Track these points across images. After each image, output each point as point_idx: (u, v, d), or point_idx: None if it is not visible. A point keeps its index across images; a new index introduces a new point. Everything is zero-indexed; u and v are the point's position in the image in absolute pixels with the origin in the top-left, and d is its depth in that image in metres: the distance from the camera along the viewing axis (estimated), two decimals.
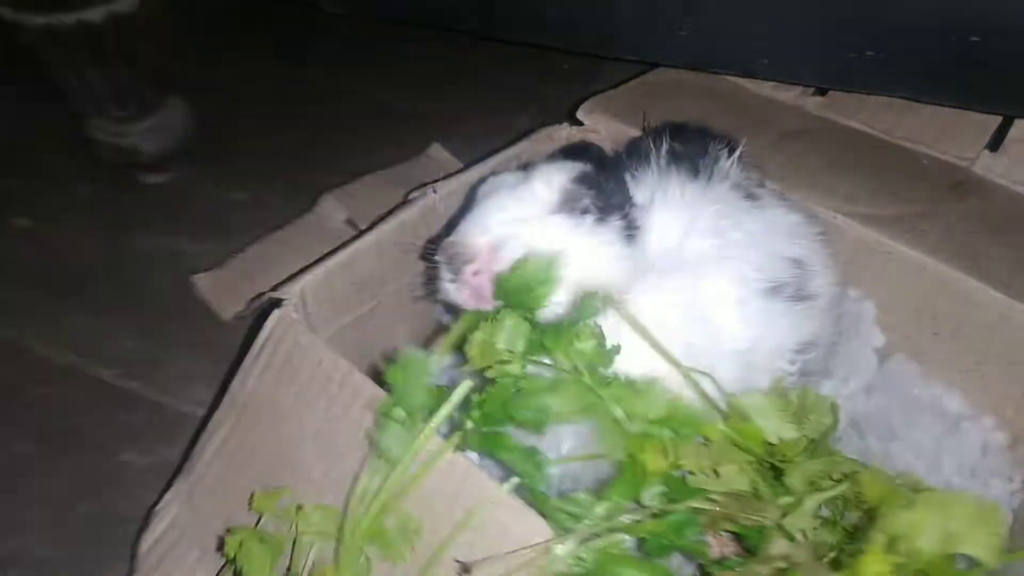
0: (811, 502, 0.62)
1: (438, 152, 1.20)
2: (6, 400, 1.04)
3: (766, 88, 1.04)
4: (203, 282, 1.00)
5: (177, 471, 0.82)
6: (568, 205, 0.68)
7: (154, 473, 0.97)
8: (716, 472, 0.63)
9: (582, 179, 0.69)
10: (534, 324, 0.64)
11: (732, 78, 1.03)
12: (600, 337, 0.63)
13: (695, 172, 0.76)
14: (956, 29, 0.62)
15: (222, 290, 0.99)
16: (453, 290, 0.67)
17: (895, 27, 0.64)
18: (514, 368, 0.63)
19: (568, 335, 0.61)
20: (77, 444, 1.00)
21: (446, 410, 0.66)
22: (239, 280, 0.99)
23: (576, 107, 1.03)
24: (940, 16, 0.62)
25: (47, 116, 1.42)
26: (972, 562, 0.57)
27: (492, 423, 0.64)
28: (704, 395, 0.66)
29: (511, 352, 0.63)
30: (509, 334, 0.62)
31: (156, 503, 0.80)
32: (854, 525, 0.62)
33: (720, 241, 0.72)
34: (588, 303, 0.63)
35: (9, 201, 1.30)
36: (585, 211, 0.68)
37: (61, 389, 1.06)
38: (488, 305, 0.66)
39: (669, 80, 1.07)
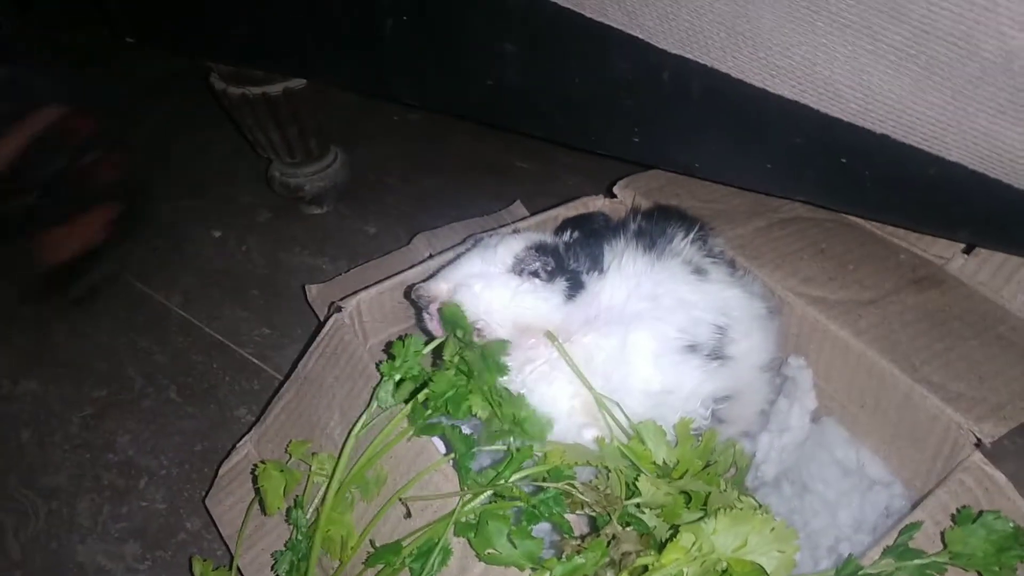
0: (688, 516, 0.79)
1: (518, 208, 1.45)
2: (172, 360, 1.43)
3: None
4: (313, 291, 1.32)
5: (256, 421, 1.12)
6: (517, 267, 0.90)
7: None
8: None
9: (537, 248, 0.91)
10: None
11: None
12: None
13: (651, 247, 0.95)
14: (826, 151, 0.77)
15: (325, 298, 1.30)
16: (428, 320, 0.92)
17: (781, 147, 0.80)
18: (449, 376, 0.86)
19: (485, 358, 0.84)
20: (209, 398, 1.35)
21: (411, 406, 0.92)
22: (338, 292, 1.29)
23: (616, 183, 1.25)
24: (811, 140, 0.78)
25: (243, 159, 1.88)
26: None
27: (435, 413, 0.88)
28: (611, 417, 0.86)
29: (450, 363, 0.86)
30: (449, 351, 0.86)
31: (237, 442, 1.11)
32: None
33: (652, 305, 0.91)
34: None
35: (209, 217, 1.73)
36: (533, 273, 0.90)
37: (211, 358, 1.42)
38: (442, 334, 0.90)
39: None
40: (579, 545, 0.74)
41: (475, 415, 0.84)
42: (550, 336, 0.88)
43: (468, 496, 0.82)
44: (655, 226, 0.96)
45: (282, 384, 1.12)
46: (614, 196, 1.23)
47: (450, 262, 0.96)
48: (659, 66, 0.83)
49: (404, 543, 0.84)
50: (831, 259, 1.05)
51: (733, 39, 0.76)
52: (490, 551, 0.77)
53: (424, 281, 0.92)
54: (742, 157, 0.86)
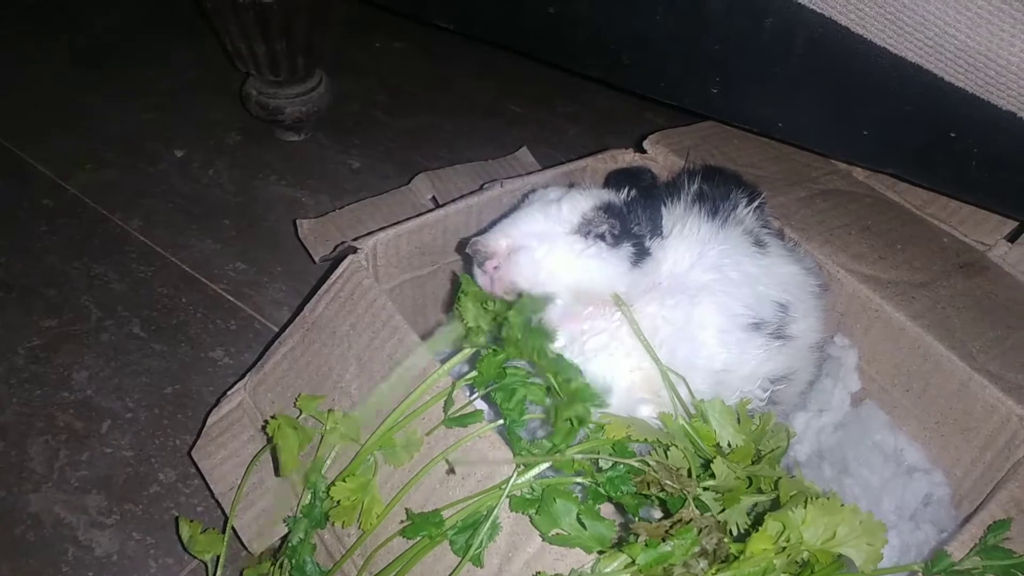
0: (747, 500, 0.74)
1: (524, 155, 1.35)
2: (133, 291, 1.28)
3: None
4: (304, 227, 1.19)
5: (250, 368, 1.01)
6: (584, 228, 0.81)
7: (234, 371, 1.18)
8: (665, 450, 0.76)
9: (605, 208, 0.82)
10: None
11: None
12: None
13: (714, 213, 0.89)
14: (936, 124, 0.73)
15: (318, 236, 1.18)
16: (479, 276, 0.83)
17: (885, 113, 0.75)
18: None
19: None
20: (179, 336, 1.22)
21: (458, 358, 0.83)
22: (332, 230, 1.17)
23: (646, 136, 1.17)
24: (922, 110, 0.73)
25: (208, 71, 1.70)
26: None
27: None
28: (675, 393, 0.80)
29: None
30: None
31: (229, 388, 1.00)
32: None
33: (719, 276, 0.85)
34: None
35: (173, 134, 1.56)
36: (599, 236, 0.81)
37: (178, 291, 1.28)
38: (500, 294, 0.82)
39: (733, 128, 1.19)
40: (662, 529, 0.68)
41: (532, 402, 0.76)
42: (620, 303, 0.81)
43: (522, 467, 0.75)
44: (717, 190, 0.90)
45: (282, 330, 1.01)
46: (643, 151, 1.16)
47: (506, 214, 0.86)
48: (763, 10, 0.75)
49: (444, 514, 0.77)
50: (878, 237, 1.01)
51: None
52: (557, 531, 0.70)
53: (481, 235, 0.83)
54: (836, 121, 0.81)
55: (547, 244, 0.80)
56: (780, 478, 0.75)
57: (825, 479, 0.92)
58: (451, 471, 0.78)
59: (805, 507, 0.68)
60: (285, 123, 1.50)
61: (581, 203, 0.82)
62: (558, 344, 0.81)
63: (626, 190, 0.88)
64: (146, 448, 1.08)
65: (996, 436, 0.86)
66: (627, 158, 1.17)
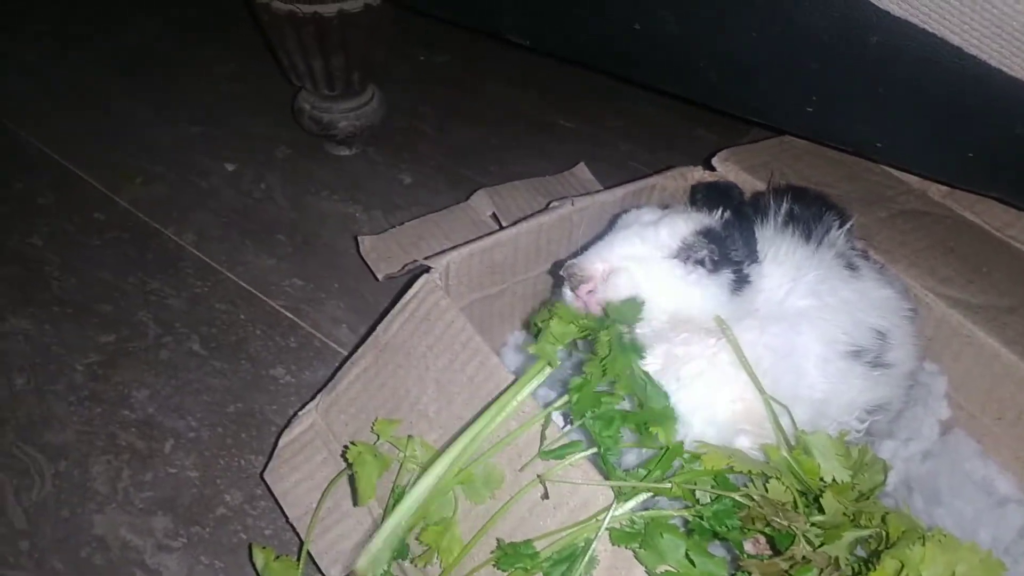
0: (850, 535, 0.72)
1: (582, 171, 1.34)
2: (191, 307, 1.26)
3: (896, 168, 1.13)
4: (367, 244, 1.17)
5: (319, 390, 0.99)
6: (684, 253, 0.79)
7: (295, 389, 1.16)
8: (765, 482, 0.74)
9: (705, 233, 0.80)
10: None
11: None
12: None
13: (807, 236, 0.87)
14: None
15: (380, 253, 1.16)
16: (571, 299, 0.81)
17: (994, 136, 0.73)
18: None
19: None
20: (239, 354, 1.20)
21: (537, 381, 0.81)
22: (394, 247, 1.15)
23: (714, 154, 1.15)
24: None
25: (252, 84, 1.70)
26: None
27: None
28: (778, 424, 0.77)
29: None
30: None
31: (299, 409, 0.98)
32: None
33: (817, 303, 0.83)
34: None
35: (223, 148, 1.55)
36: (699, 262, 0.79)
37: (236, 308, 1.27)
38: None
39: (803, 145, 1.16)
40: (776, 567, 0.65)
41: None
42: (725, 329, 0.78)
43: (622, 498, 0.73)
44: (808, 211, 0.88)
45: (350, 351, 0.99)
46: (712, 168, 1.14)
47: (600, 236, 0.84)
48: (867, 27, 0.73)
49: (537, 544, 0.75)
50: (963, 259, 0.99)
51: (976, 7, 0.67)
52: (665, 568, 0.68)
53: (577, 259, 0.81)
54: (941, 142, 0.78)
55: (646, 267, 0.78)
56: (887, 513, 0.72)
57: (916, 510, 0.90)
58: (546, 496, 0.76)
59: (922, 544, 0.66)
60: (337, 138, 1.49)
61: (681, 227, 0.80)
62: (652, 367, 0.79)
63: (719, 211, 0.86)
64: (211, 468, 1.06)
65: None
66: (696, 175, 1.15)
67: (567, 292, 0.81)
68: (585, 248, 0.83)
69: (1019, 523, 0.88)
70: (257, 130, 1.60)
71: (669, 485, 0.72)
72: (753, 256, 0.83)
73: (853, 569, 0.68)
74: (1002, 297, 0.95)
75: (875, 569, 0.65)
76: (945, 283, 0.95)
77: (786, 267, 0.83)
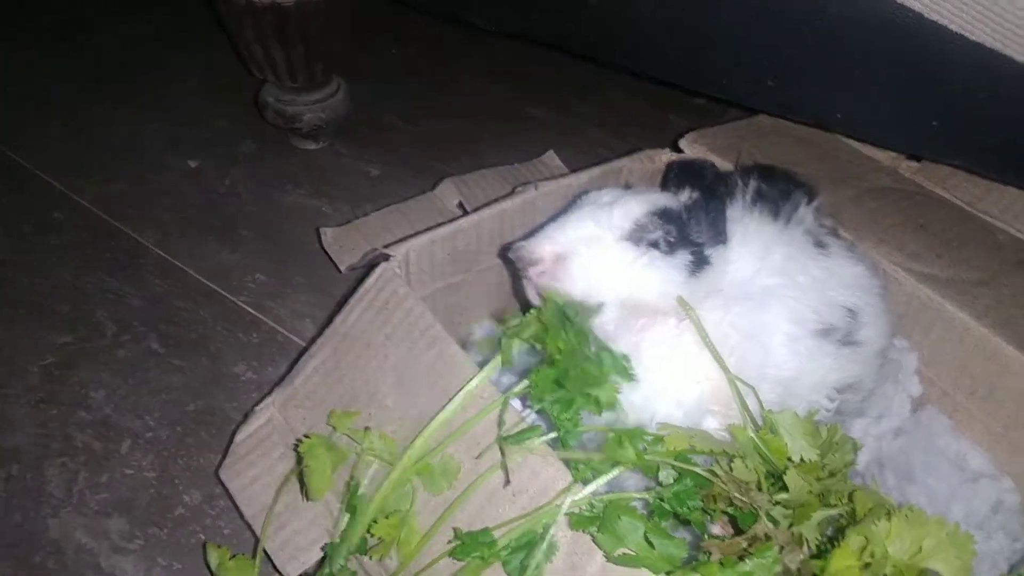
0: (819, 515, 0.69)
1: (551, 159, 1.31)
2: (150, 305, 1.23)
3: (865, 146, 1.11)
4: (328, 235, 1.15)
5: (277, 383, 0.96)
6: (636, 235, 0.77)
7: (258, 386, 1.13)
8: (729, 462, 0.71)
9: (660, 214, 0.78)
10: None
11: (834, 132, 1.11)
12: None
13: (775, 214, 0.84)
14: (1017, 109, 0.69)
15: (343, 244, 1.14)
16: (525, 286, 0.79)
17: (959, 103, 0.71)
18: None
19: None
20: (199, 351, 1.17)
21: (492, 367, 0.79)
22: (358, 238, 1.13)
23: (669, 136, 1.13)
24: (1001, 98, 0.68)
25: (221, 80, 1.67)
26: None
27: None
28: (744, 405, 0.75)
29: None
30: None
31: (256, 404, 0.95)
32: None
33: (786, 281, 0.80)
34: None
35: (185, 144, 1.52)
36: (653, 244, 0.77)
37: (197, 305, 1.24)
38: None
39: (771, 125, 1.14)
40: (737, 546, 0.63)
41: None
42: (687, 309, 0.76)
43: (581, 482, 0.70)
44: (776, 190, 0.85)
45: (310, 342, 0.96)
46: (680, 151, 1.12)
47: (554, 218, 0.82)
48: None
49: (495, 533, 0.72)
50: (933, 235, 0.97)
51: None
52: (623, 551, 0.66)
53: (525, 240, 0.78)
54: (904, 112, 0.77)
55: (596, 251, 0.76)
56: (855, 491, 0.70)
57: (888, 488, 0.88)
58: (507, 482, 0.73)
59: (888, 520, 0.64)
60: (303, 131, 1.46)
61: (634, 208, 0.78)
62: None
63: (687, 191, 0.83)
64: (169, 468, 1.03)
65: None
66: (663, 158, 1.13)
67: (523, 279, 0.79)
68: (539, 228, 0.81)
69: (992, 498, 0.86)
70: (221, 126, 1.57)
71: (629, 463, 0.69)
72: (720, 237, 0.81)
73: (818, 548, 0.66)
74: (972, 271, 0.93)
75: (839, 546, 0.63)
76: (914, 258, 0.93)
77: (754, 246, 0.81)
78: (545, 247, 0.77)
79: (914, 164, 1.09)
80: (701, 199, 0.81)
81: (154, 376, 1.14)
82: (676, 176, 0.85)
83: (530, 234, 0.81)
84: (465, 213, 1.20)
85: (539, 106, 1.68)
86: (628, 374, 0.73)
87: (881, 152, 1.10)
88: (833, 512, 0.69)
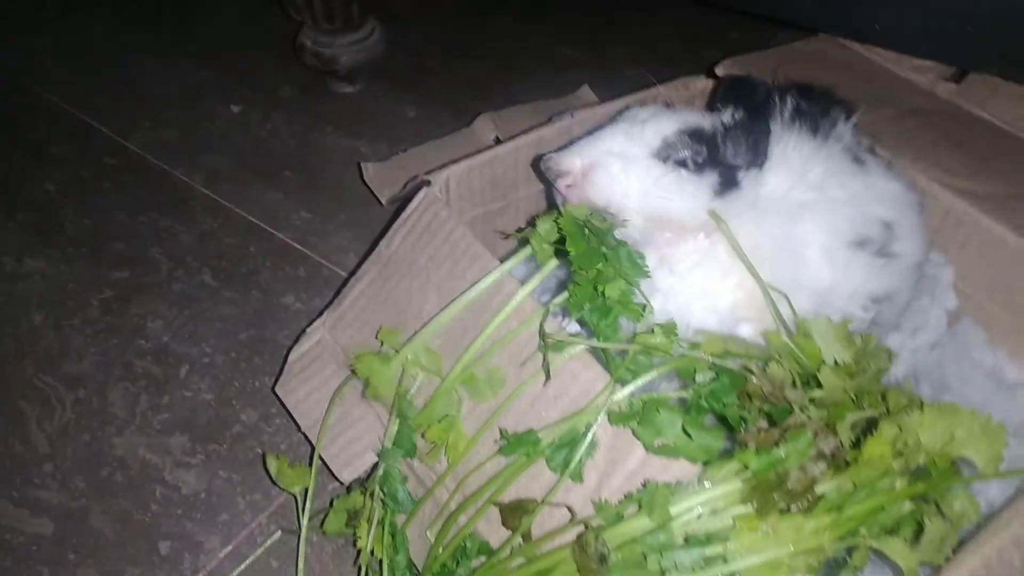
0: (853, 415, 0.71)
1: (586, 93, 1.32)
2: (201, 242, 1.28)
3: (904, 69, 1.11)
4: (370, 170, 1.18)
5: (325, 308, 1.00)
6: (664, 154, 0.78)
7: (307, 316, 1.18)
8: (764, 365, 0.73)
9: (691, 133, 0.79)
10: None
11: (872, 57, 1.10)
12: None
13: (814, 131, 0.85)
14: None
15: (383, 178, 1.17)
16: (557, 196, 0.81)
17: (995, 8, 0.71)
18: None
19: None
20: (250, 284, 1.22)
21: (538, 278, 0.81)
22: (398, 172, 1.15)
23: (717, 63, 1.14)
24: None
25: (259, 26, 1.70)
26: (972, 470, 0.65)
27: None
28: (778, 312, 0.77)
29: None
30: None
31: (306, 327, 0.99)
32: None
33: (822, 196, 0.81)
34: None
35: (228, 90, 1.56)
36: (680, 163, 0.78)
37: (245, 241, 1.28)
38: None
39: (808, 51, 1.14)
40: (772, 436, 0.66)
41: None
42: (718, 220, 0.78)
43: (620, 382, 0.73)
44: (815, 107, 0.86)
45: (354, 270, 1.00)
46: (716, 76, 1.12)
47: (589, 132, 0.84)
48: None
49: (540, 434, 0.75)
50: (970, 152, 0.97)
51: None
52: (661, 441, 0.69)
53: (557, 152, 0.81)
54: (939, 19, 0.76)
55: (623, 165, 0.77)
56: (888, 391, 0.72)
57: (924, 397, 0.89)
58: (548, 379, 0.76)
59: (921, 412, 0.65)
60: (340, 73, 1.49)
61: (664, 125, 0.79)
62: (651, 271, 0.79)
63: (731, 111, 0.84)
64: (225, 391, 1.08)
65: None
66: (699, 85, 1.14)
67: (554, 190, 0.81)
68: (574, 142, 0.83)
69: None
70: (262, 72, 1.61)
71: (661, 352, 0.72)
72: (759, 160, 0.81)
73: (853, 443, 0.68)
74: (1010, 185, 0.93)
75: (874, 435, 0.65)
76: (951, 174, 0.93)
77: (792, 163, 0.82)
78: (576, 160, 0.79)
79: (952, 86, 1.08)
80: (745, 118, 0.81)
81: (208, 307, 1.19)
82: (725, 92, 0.85)
83: (565, 147, 0.83)
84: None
85: (575, 47, 1.69)
86: (642, 270, 0.74)
87: (919, 75, 1.10)
88: (866, 414, 0.71)
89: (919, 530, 0.63)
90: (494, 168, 1.02)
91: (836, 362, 0.72)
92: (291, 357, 0.98)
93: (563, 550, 0.68)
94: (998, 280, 0.90)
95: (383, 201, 1.13)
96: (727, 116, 0.83)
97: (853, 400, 0.72)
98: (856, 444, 0.68)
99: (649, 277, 0.74)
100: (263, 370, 1.11)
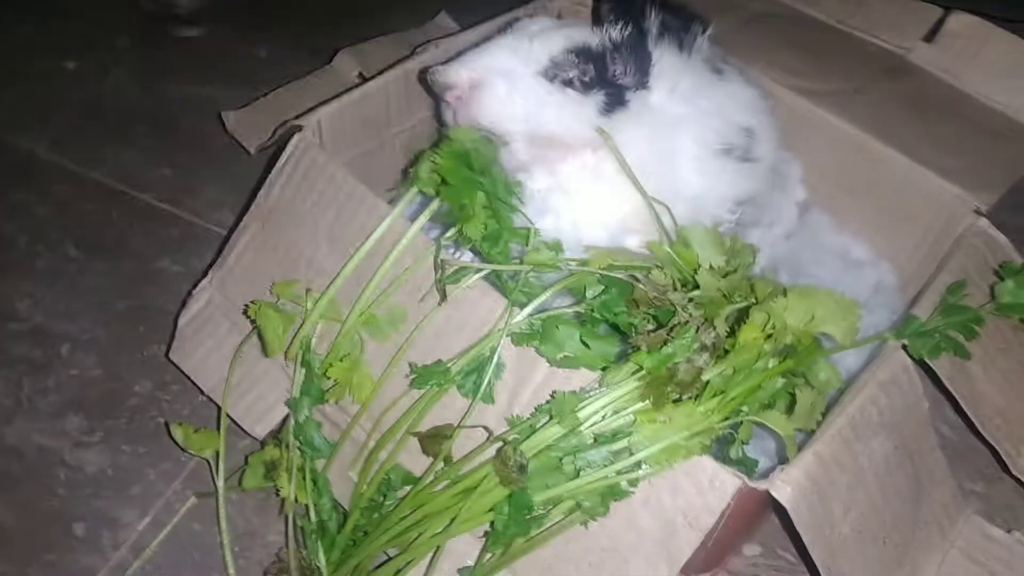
0: (728, 308, 0.78)
1: (444, 19, 1.32)
2: (58, 212, 1.21)
3: None
4: (232, 119, 1.14)
5: (209, 267, 0.98)
6: (552, 72, 0.80)
7: (186, 277, 1.14)
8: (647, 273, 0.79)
9: (579, 52, 0.80)
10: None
11: None
12: None
13: (680, 46, 0.89)
14: None
15: (248, 126, 1.13)
16: (444, 110, 0.82)
17: None
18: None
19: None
20: (119, 252, 1.17)
21: (426, 216, 0.83)
22: (263, 118, 1.12)
23: None
24: None
25: None
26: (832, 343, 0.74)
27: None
28: (660, 223, 0.83)
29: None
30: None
31: (192, 289, 0.97)
32: None
33: (692, 108, 0.86)
34: None
35: (59, 46, 1.44)
36: (567, 82, 0.80)
37: (106, 206, 1.22)
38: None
39: None
40: (660, 337, 0.72)
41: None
42: (607, 140, 0.81)
43: (516, 309, 0.77)
44: (677, 21, 0.89)
45: (231, 228, 0.98)
46: None
47: (475, 43, 0.84)
48: None
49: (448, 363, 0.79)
50: (809, 52, 1.05)
51: None
52: (564, 354, 0.74)
53: (443, 64, 0.81)
54: None
55: (509, 83, 0.79)
56: (755, 282, 0.80)
57: (785, 283, 0.98)
58: (444, 299, 0.79)
59: (785, 297, 0.73)
60: (181, 16, 1.41)
61: (552, 42, 0.80)
62: (538, 187, 0.82)
63: (619, 27, 0.84)
64: (114, 365, 1.05)
65: (935, 219, 0.93)
66: (558, 4, 1.16)
67: (442, 104, 0.82)
68: (462, 53, 0.83)
69: (873, 280, 0.98)
70: (93, 22, 1.49)
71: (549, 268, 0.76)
72: (644, 79, 0.84)
73: (729, 332, 0.76)
74: (846, 81, 1.02)
75: (746, 323, 0.72)
76: (793, 75, 1.01)
77: (665, 77, 0.85)
78: (462, 73, 0.79)
79: None
80: (632, 37, 0.84)
81: (78, 281, 1.13)
82: (610, 8, 0.86)
83: (452, 59, 0.83)
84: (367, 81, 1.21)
85: None
86: (518, 199, 0.77)
87: None
88: (738, 305, 0.79)
89: (792, 402, 0.71)
90: (364, 107, 1.01)
91: (711, 265, 0.80)
92: (181, 321, 0.96)
93: (484, 467, 0.73)
94: (842, 169, 0.99)
95: (251, 150, 1.10)
96: (615, 33, 0.84)
97: (726, 296, 0.80)
98: (732, 333, 0.75)
99: (523, 206, 0.77)
100: (150, 338, 1.08)
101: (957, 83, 1.04)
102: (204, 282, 0.96)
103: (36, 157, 1.27)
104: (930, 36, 1.07)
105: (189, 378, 0.93)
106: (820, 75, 1.02)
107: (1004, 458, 0.79)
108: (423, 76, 0.88)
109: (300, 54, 1.45)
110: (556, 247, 0.75)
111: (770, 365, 0.72)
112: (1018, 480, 0.80)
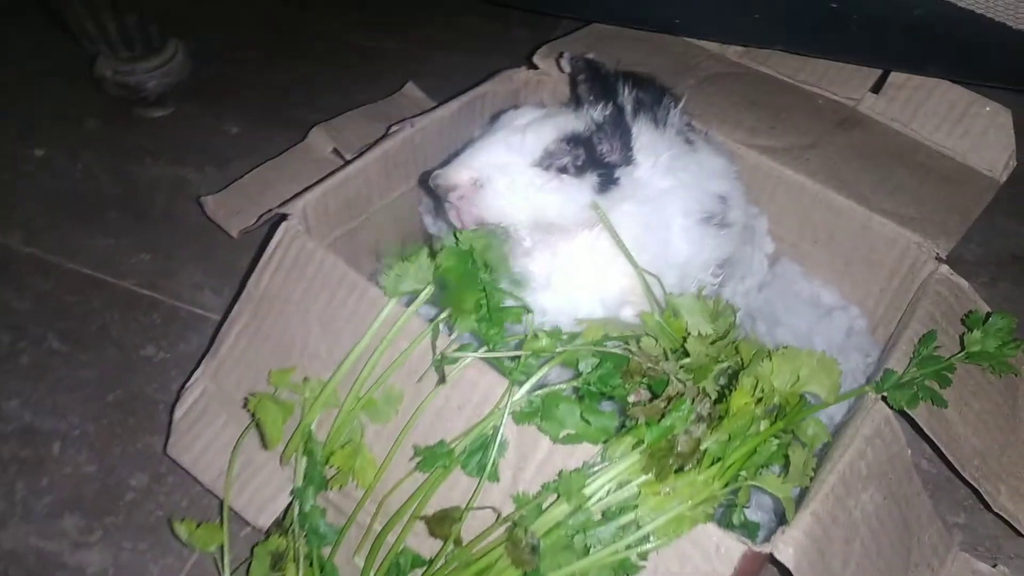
0: (716, 369, 0.82)
1: (412, 91, 1.35)
2: (38, 306, 1.20)
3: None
4: (210, 204, 1.15)
5: (199, 358, 0.99)
6: (546, 161, 0.84)
7: (173, 364, 1.15)
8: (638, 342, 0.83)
9: (569, 139, 0.85)
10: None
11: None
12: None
13: (655, 121, 0.93)
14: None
15: (227, 209, 1.14)
16: (448, 211, 0.85)
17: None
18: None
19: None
20: (103, 342, 1.17)
21: (420, 301, 0.86)
22: (242, 201, 1.14)
23: (534, 52, 1.20)
24: None
25: (48, 59, 1.57)
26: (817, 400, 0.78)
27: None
28: (651, 293, 0.86)
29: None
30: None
31: (186, 382, 0.98)
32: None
33: (675, 180, 0.90)
34: None
35: (26, 133, 1.44)
36: (562, 169, 0.84)
37: (86, 296, 1.22)
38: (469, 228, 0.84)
39: (609, 31, 1.24)
40: (657, 408, 0.75)
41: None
42: (602, 217, 0.85)
43: (517, 383, 0.80)
44: (650, 96, 0.94)
45: (223, 315, 0.99)
46: (535, 66, 1.19)
47: (470, 143, 0.88)
48: None
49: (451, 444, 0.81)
50: (764, 109, 1.10)
51: None
52: (567, 432, 0.76)
53: (443, 168, 0.85)
54: (730, 10, 0.87)
55: (508, 178, 0.83)
56: (739, 343, 0.84)
57: (760, 334, 1.03)
58: (443, 381, 0.81)
59: (770, 359, 0.77)
60: (150, 99, 1.42)
61: (544, 134, 0.85)
62: (541, 270, 0.86)
63: (600, 108, 0.89)
64: (107, 459, 1.05)
65: (899, 265, 0.99)
66: (521, 77, 1.20)
67: (445, 204, 0.85)
68: (456, 154, 0.87)
69: (845, 326, 1.03)
70: (59, 106, 1.49)
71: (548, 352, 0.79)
72: (628, 156, 0.88)
73: (720, 394, 0.79)
74: (801, 136, 1.07)
75: (736, 389, 0.76)
76: (752, 133, 1.06)
77: (646, 152, 0.90)
78: (462, 173, 0.83)
79: (739, 48, 1.21)
80: (613, 115, 0.88)
81: (64, 375, 1.13)
82: (589, 84, 0.90)
83: (449, 161, 0.87)
84: (341, 158, 1.24)
85: (398, 39, 1.69)
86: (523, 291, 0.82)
87: (708, 42, 1.22)
88: (725, 366, 0.83)
89: (786, 462, 0.75)
90: (346, 189, 1.04)
91: (699, 332, 0.83)
92: (176, 415, 0.96)
93: (495, 548, 0.75)
94: (804, 221, 1.04)
95: (233, 234, 1.11)
96: (597, 114, 0.89)
97: (715, 359, 0.83)
98: (721, 396, 0.79)
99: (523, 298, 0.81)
100: (141, 428, 1.08)
101: (906, 131, 1.10)
102: (197, 373, 0.97)
103: (10, 250, 1.27)
104: (877, 87, 1.13)
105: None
106: (777, 132, 1.07)
107: (985, 497, 0.83)
108: (424, 180, 0.92)
109: (272, 128, 1.47)
110: (555, 335, 0.78)
111: (762, 427, 0.76)
112: (999, 516, 0.84)
